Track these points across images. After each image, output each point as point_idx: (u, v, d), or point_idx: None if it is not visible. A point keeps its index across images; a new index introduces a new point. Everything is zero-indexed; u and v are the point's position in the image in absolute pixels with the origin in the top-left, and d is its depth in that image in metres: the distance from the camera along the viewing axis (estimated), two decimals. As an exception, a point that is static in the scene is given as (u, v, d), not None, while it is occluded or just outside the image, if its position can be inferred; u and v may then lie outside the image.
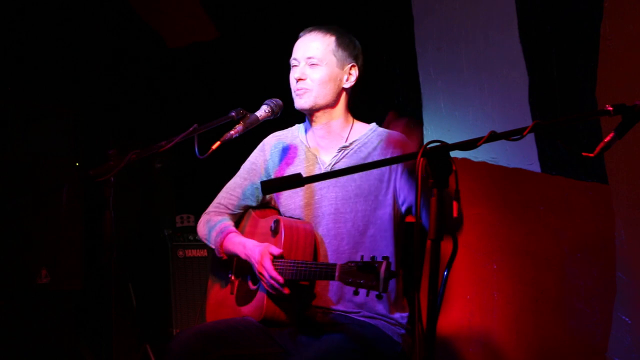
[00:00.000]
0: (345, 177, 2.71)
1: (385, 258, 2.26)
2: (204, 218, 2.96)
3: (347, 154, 2.79)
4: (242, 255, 2.73)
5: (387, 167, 2.70)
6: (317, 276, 2.52)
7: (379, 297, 2.34)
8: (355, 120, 2.87)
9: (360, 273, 2.27)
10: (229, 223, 2.88)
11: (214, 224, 2.89)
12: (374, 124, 2.86)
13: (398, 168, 2.71)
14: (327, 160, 2.82)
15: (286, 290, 2.57)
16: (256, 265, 2.64)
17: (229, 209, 2.94)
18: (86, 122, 4.47)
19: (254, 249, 2.68)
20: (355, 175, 2.72)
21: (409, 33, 3.91)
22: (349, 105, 2.85)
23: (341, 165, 2.77)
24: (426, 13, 3.85)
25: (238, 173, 2.97)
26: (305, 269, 2.55)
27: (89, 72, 4.84)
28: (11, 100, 4.26)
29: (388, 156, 2.71)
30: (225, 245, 2.82)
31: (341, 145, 2.80)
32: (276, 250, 2.62)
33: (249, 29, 4.76)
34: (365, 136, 2.80)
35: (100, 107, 4.84)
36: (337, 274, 2.31)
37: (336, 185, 2.75)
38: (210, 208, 2.96)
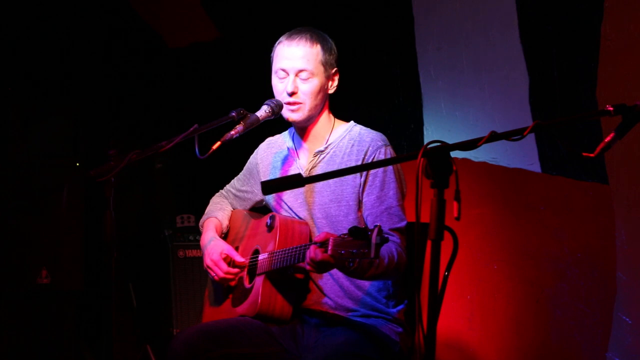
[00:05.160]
0: (321, 182, 2.73)
1: (377, 225, 2.22)
2: (214, 198, 3.17)
3: (323, 158, 2.79)
4: (201, 243, 2.97)
5: (359, 174, 2.70)
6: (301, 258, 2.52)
7: (370, 263, 2.34)
8: (336, 120, 2.87)
9: (353, 242, 2.23)
10: (220, 207, 3.07)
11: (210, 204, 3.13)
12: (351, 123, 2.85)
13: (363, 179, 2.70)
14: (304, 164, 2.84)
15: (226, 275, 2.79)
16: (207, 259, 2.86)
17: (230, 197, 3.12)
18: (86, 122, 4.47)
19: (213, 248, 2.86)
20: (330, 181, 2.73)
21: (409, 33, 3.91)
22: (330, 107, 2.87)
23: (318, 169, 2.79)
24: (426, 13, 3.85)
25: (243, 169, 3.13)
26: (294, 252, 2.55)
27: (89, 72, 4.83)
28: (11, 100, 4.26)
29: (360, 160, 2.72)
30: (204, 226, 3.04)
31: (317, 150, 2.81)
32: (239, 259, 2.81)
33: (249, 29, 4.75)
34: (341, 138, 2.80)
35: (100, 107, 4.83)
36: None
37: (314, 191, 2.77)
38: (222, 190, 3.17)
